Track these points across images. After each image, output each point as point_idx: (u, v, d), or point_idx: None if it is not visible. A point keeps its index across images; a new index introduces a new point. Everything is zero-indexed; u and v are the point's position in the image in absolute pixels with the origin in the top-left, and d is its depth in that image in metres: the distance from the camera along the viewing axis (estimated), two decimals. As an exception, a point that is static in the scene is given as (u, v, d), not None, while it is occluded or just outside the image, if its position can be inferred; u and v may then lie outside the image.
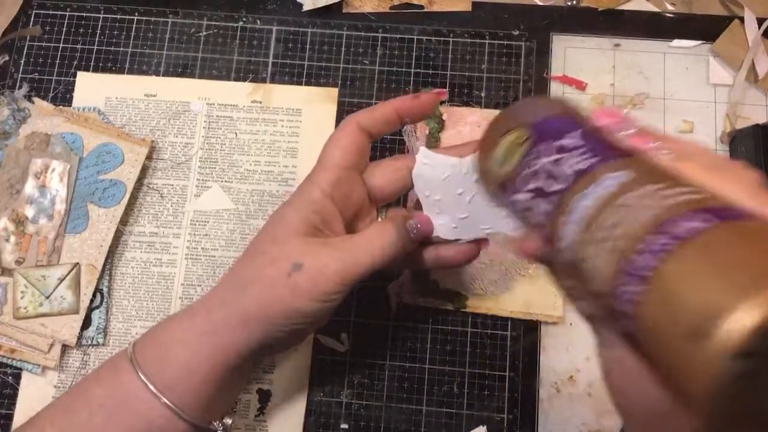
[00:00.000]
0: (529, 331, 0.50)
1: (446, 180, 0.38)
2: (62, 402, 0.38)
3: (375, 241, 0.37)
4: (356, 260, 0.36)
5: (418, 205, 0.40)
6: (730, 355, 0.18)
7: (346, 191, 0.39)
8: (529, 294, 0.50)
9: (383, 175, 0.40)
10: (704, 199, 0.22)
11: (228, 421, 0.40)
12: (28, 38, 0.57)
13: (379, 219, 0.42)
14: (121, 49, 0.56)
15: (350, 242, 0.37)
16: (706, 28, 0.55)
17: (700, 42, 0.55)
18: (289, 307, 0.36)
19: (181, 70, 0.56)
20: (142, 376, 0.36)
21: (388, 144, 0.54)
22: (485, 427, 0.48)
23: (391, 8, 0.57)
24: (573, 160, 0.27)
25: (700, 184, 0.24)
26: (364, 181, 0.40)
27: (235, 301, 0.37)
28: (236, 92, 0.55)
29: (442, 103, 0.54)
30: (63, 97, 0.55)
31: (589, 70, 0.55)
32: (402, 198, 0.51)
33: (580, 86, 0.54)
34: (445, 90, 0.41)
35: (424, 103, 0.40)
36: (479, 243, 0.40)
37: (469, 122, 0.53)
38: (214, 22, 0.57)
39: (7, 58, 0.56)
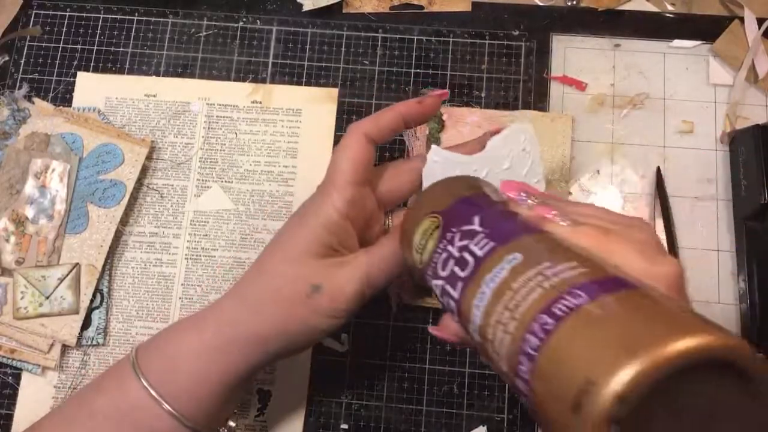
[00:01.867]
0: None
1: None
2: (65, 411, 0.38)
3: (390, 256, 0.37)
4: (371, 276, 0.37)
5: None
6: (599, 424, 0.19)
7: (360, 207, 0.38)
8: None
9: (391, 179, 0.40)
10: (584, 273, 0.24)
11: (232, 424, 0.40)
12: (28, 38, 0.56)
13: (387, 222, 0.42)
14: (121, 49, 0.56)
15: (365, 259, 0.37)
16: (706, 29, 0.55)
17: (700, 42, 0.55)
18: (309, 326, 0.37)
19: (181, 70, 0.56)
20: (147, 387, 0.36)
21: (387, 144, 0.54)
22: (485, 427, 0.48)
23: (391, 8, 0.57)
24: (477, 246, 0.28)
25: (591, 251, 0.26)
26: (372, 185, 0.40)
27: (249, 320, 0.37)
28: (236, 92, 0.55)
29: (442, 103, 0.54)
30: (63, 97, 0.55)
31: (589, 71, 0.55)
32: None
33: (580, 87, 0.54)
34: (446, 90, 0.41)
35: (428, 106, 0.40)
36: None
37: (469, 122, 0.53)
38: (214, 23, 0.57)
39: (7, 58, 0.56)
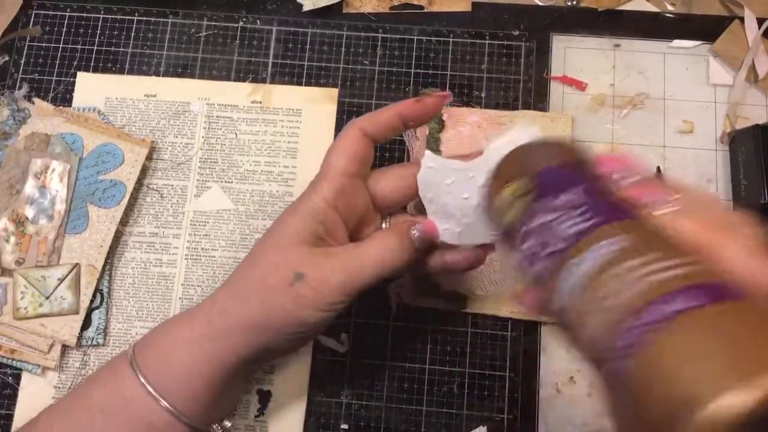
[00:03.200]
0: (529, 331, 0.50)
1: (452, 184, 0.37)
2: (62, 405, 0.38)
3: (379, 250, 0.37)
4: (359, 270, 0.36)
5: (420, 208, 0.40)
6: None
7: (350, 200, 0.38)
8: (529, 294, 0.50)
9: (389, 182, 0.40)
10: (696, 273, 0.23)
11: (227, 423, 0.40)
12: (28, 38, 0.56)
13: (384, 226, 0.41)
14: (121, 49, 0.56)
15: (353, 252, 0.37)
16: (706, 29, 0.55)
17: (700, 42, 0.55)
18: (292, 316, 0.36)
19: (181, 70, 0.56)
20: (142, 380, 0.36)
21: (387, 144, 0.54)
22: (485, 428, 0.48)
23: (391, 8, 0.57)
24: (572, 220, 0.27)
25: (700, 246, 0.25)
26: (369, 188, 0.40)
27: (236, 308, 0.37)
28: (236, 92, 0.55)
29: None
30: (63, 97, 0.55)
31: (589, 71, 0.55)
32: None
33: (580, 87, 0.54)
34: (449, 93, 0.41)
35: (428, 106, 0.39)
36: (485, 248, 0.40)
37: (469, 122, 0.53)
38: (214, 23, 0.57)
39: (7, 58, 0.56)
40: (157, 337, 0.39)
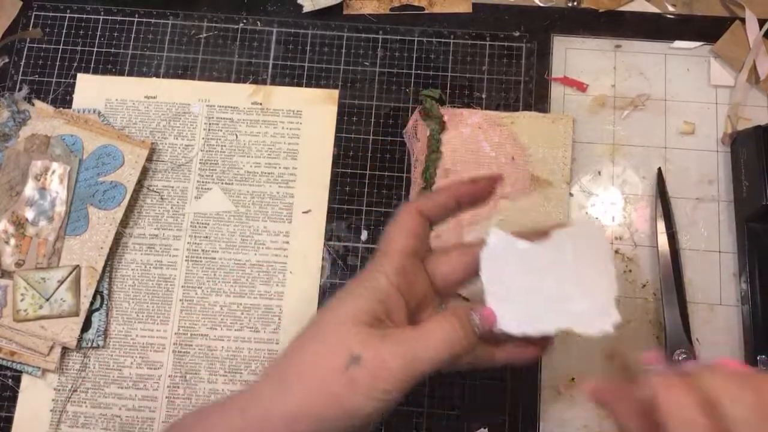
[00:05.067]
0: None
1: (517, 265, 0.36)
2: None
3: (440, 334, 0.34)
4: (419, 356, 0.33)
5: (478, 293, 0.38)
6: None
7: (410, 279, 0.36)
8: (530, 296, 0.49)
9: (448, 262, 0.38)
10: None
11: None
12: (27, 40, 0.56)
13: (441, 309, 0.39)
14: (121, 50, 0.56)
15: (412, 335, 0.34)
16: (707, 30, 0.55)
17: (701, 43, 0.55)
18: (345, 405, 0.32)
19: (182, 71, 0.56)
20: None
21: (388, 145, 0.54)
22: (486, 429, 0.48)
23: (391, 10, 0.57)
24: None
25: None
26: (428, 268, 0.38)
27: (276, 397, 0.33)
28: (236, 94, 0.55)
29: (442, 104, 0.54)
30: (63, 99, 0.55)
31: (590, 72, 0.55)
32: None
33: (581, 88, 0.54)
34: (501, 174, 0.40)
35: (482, 188, 0.38)
36: (544, 342, 0.38)
37: (469, 124, 0.53)
38: (214, 24, 0.57)
39: (7, 60, 0.56)
40: (190, 425, 0.36)
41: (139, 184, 0.52)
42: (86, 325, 0.49)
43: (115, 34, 0.57)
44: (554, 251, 0.35)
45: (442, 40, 0.56)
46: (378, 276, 0.35)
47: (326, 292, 0.51)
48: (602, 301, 0.35)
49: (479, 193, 0.39)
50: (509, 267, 0.36)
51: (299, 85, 0.55)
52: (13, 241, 0.50)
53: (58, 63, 0.56)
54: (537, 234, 0.37)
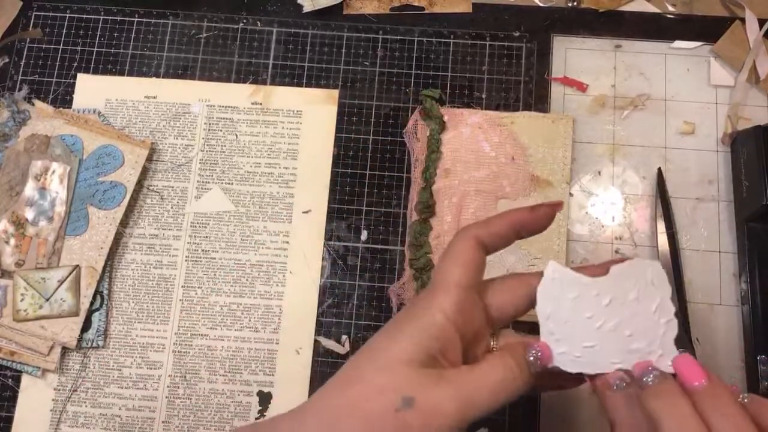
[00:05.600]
0: (530, 331, 0.49)
1: (575, 300, 0.35)
2: None
3: (497, 376, 0.32)
4: (475, 399, 0.31)
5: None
6: None
7: (468, 315, 0.34)
8: (531, 296, 0.49)
9: (503, 292, 0.36)
10: None
11: None
12: (27, 40, 0.56)
13: (492, 344, 0.37)
14: (121, 50, 0.56)
15: (468, 377, 0.32)
16: (707, 29, 0.55)
17: (701, 43, 0.55)
18: None
19: (182, 71, 0.56)
20: None
21: (388, 145, 0.54)
22: (487, 429, 0.48)
23: (391, 10, 0.57)
24: None
25: None
26: (482, 298, 0.36)
27: None
28: (236, 94, 0.55)
29: (442, 104, 0.54)
30: (63, 98, 0.55)
31: (590, 72, 0.55)
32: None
33: (581, 87, 0.54)
34: (562, 201, 0.38)
35: (541, 216, 0.36)
36: (603, 378, 0.35)
37: (469, 123, 0.53)
38: (214, 24, 0.57)
39: (7, 60, 0.56)
40: None
41: (139, 184, 0.52)
42: (86, 325, 0.49)
43: (115, 34, 0.57)
44: (614, 287, 0.34)
45: (442, 40, 0.56)
46: (434, 313, 0.33)
47: (326, 292, 0.51)
48: (662, 341, 0.35)
49: (539, 222, 0.36)
50: (566, 302, 0.35)
51: (299, 85, 0.55)
52: (13, 241, 0.50)
53: (58, 63, 0.56)
54: (596, 269, 0.35)
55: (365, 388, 0.31)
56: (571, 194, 0.52)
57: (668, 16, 0.56)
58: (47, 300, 0.49)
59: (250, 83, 0.55)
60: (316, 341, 0.50)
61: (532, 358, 0.33)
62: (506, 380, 0.32)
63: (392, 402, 0.30)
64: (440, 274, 0.34)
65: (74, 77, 0.55)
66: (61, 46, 0.56)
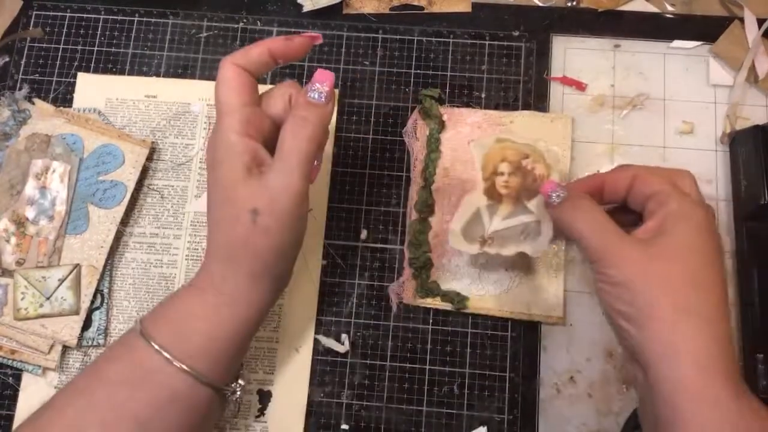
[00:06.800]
0: (529, 331, 0.50)
1: None
2: (78, 384, 0.38)
3: (294, 140, 0.38)
4: (293, 168, 0.38)
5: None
6: None
7: (257, 125, 0.39)
8: (530, 294, 0.50)
9: (276, 104, 0.41)
10: None
11: (242, 383, 0.42)
12: (28, 39, 0.57)
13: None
14: (122, 50, 0.56)
15: (279, 161, 0.38)
16: (706, 29, 0.55)
17: (700, 43, 0.55)
18: (273, 244, 0.38)
19: (182, 71, 0.56)
20: (161, 350, 0.37)
21: (388, 145, 0.54)
22: (486, 428, 0.48)
23: (391, 9, 0.57)
24: None
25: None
26: (265, 112, 0.41)
27: (231, 268, 0.39)
28: (236, 93, 0.55)
29: (441, 103, 0.54)
30: (63, 98, 0.55)
31: (589, 71, 0.55)
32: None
33: (580, 87, 0.54)
34: (319, 34, 0.43)
35: (296, 46, 0.41)
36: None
37: (469, 123, 0.53)
38: (214, 23, 0.57)
39: (7, 59, 0.56)
40: (166, 311, 0.40)
41: (140, 183, 0.52)
42: (87, 324, 0.49)
43: (116, 34, 0.57)
44: None
45: (442, 39, 0.56)
46: (226, 134, 0.38)
47: (326, 292, 0.51)
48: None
49: (293, 50, 0.41)
50: None
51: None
52: (13, 240, 0.50)
53: (58, 62, 0.56)
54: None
55: (226, 224, 0.38)
56: (570, 193, 0.52)
57: (667, 15, 0.56)
58: (48, 299, 0.49)
59: (250, 82, 0.55)
60: (315, 340, 0.50)
61: (311, 94, 0.40)
62: (304, 124, 0.39)
63: (247, 219, 0.37)
64: (219, 103, 0.39)
65: (75, 76, 0.56)
66: (61, 46, 0.56)
